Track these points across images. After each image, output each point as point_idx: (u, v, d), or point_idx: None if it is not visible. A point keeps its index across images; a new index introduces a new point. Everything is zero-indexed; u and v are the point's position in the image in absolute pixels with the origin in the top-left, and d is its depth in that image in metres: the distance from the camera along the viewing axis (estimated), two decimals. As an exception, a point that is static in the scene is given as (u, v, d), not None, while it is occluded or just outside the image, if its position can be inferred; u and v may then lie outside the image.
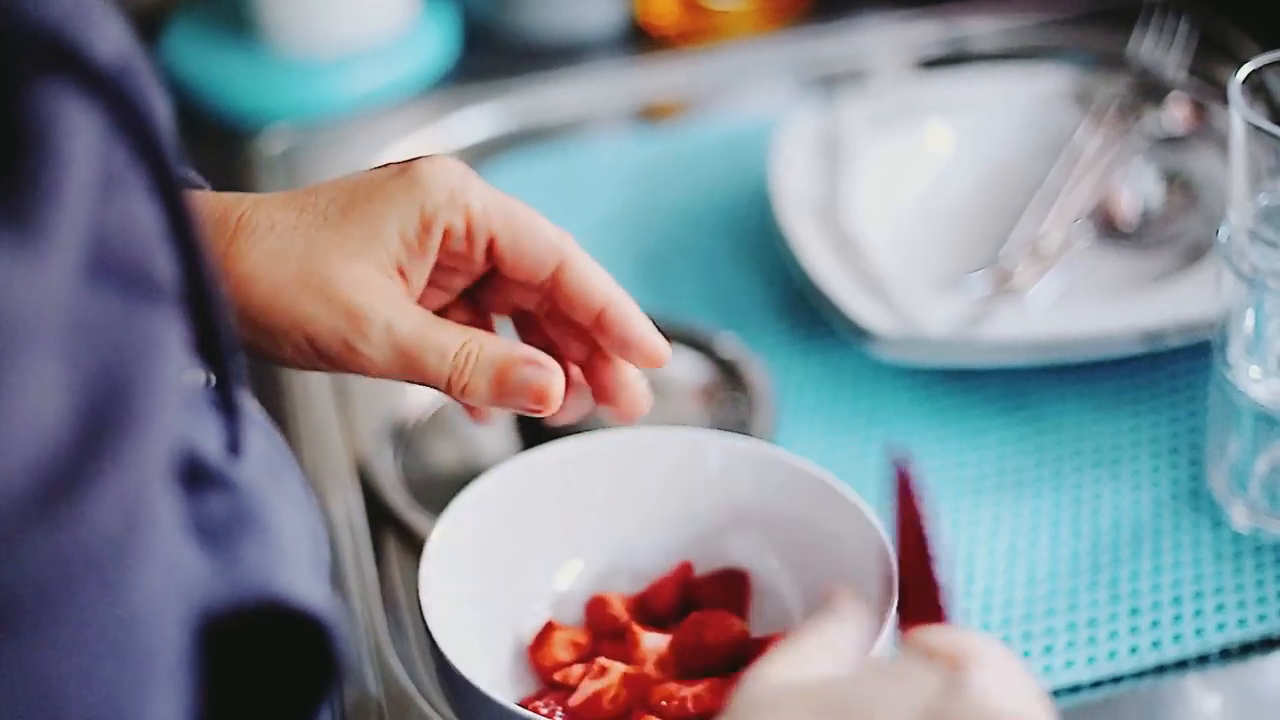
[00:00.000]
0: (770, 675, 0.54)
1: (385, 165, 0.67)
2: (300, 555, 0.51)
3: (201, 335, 0.48)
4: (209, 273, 0.47)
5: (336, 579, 0.82)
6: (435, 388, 0.65)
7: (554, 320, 0.69)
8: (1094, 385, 0.92)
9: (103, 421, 0.40)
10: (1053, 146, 1.06)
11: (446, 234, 0.65)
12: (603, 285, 0.67)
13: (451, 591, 0.71)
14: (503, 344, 0.65)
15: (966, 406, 0.92)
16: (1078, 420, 0.91)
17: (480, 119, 1.19)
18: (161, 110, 0.44)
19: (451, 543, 0.73)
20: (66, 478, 0.39)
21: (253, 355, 0.65)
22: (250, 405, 0.54)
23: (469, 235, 0.66)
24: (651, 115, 1.22)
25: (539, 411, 0.65)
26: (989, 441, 0.90)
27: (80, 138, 0.41)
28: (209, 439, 0.50)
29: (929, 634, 0.55)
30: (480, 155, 1.16)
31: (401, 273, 0.65)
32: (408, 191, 0.65)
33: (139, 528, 0.41)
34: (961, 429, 0.91)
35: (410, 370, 0.64)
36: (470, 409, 0.69)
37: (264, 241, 0.64)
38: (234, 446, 0.51)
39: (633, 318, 0.67)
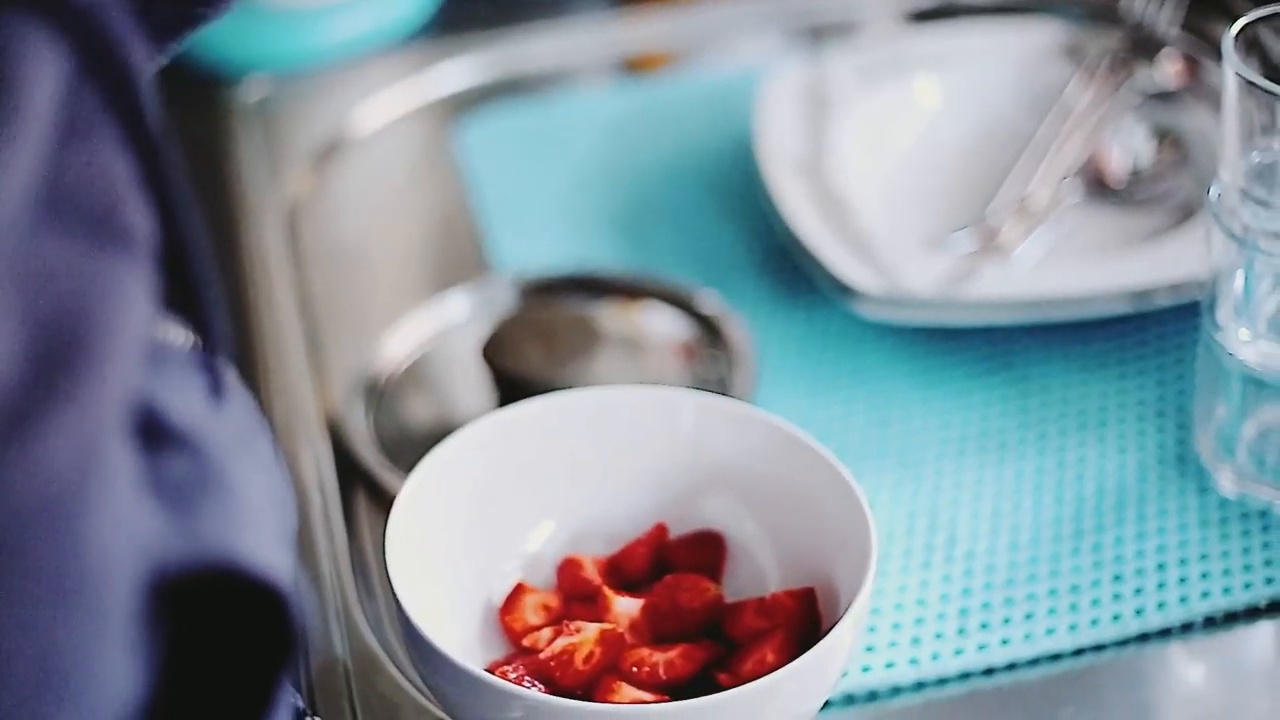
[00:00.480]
0: None
1: None
2: (265, 523, 0.50)
3: (181, 292, 0.47)
4: (191, 229, 0.46)
5: (305, 537, 0.81)
6: None
7: None
8: (1080, 346, 0.91)
9: (54, 363, 0.40)
10: (1043, 102, 1.04)
11: None
12: None
13: (419, 552, 0.70)
14: None
15: (951, 366, 0.91)
16: (1063, 381, 0.89)
17: (461, 70, 1.17)
18: (140, 61, 0.43)
19: (420, 502, 0.71)
20: (14, 417, 0.38)
21: None
22: (227, 369, 0.53)
23: None
24: (635, 67, 1.20)
25: None
26: (973, 402, 0.89)
27: (42, 76, 0.40)
28: (176, 398, 0.49)
29: None
30: (461, 106, 1.14)
31: None
32: None
33: (90, 475, 0.40)
34: (945, 389, 0.89)
35: None
36: None
37: None
38: (208, 406, 0.50)
39: None
